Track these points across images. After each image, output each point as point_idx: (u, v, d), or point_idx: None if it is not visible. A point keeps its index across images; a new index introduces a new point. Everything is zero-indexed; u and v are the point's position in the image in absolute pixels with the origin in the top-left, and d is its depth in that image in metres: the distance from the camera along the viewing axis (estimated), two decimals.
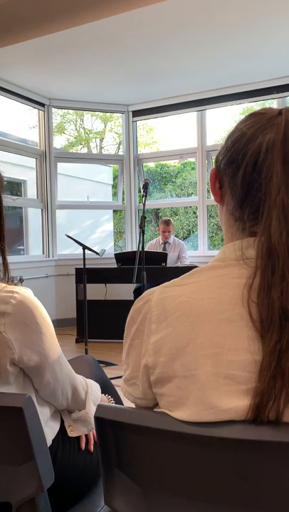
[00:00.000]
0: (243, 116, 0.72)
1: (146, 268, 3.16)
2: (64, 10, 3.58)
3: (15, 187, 8.08)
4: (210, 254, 5.40)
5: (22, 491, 0.77)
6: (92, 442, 1.07)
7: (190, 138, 6.10)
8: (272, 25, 3.64)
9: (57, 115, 12.81)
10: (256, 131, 0.66)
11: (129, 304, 0.78)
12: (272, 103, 5.33)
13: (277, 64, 4.42)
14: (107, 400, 1.24)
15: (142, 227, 3.09)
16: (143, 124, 12.28)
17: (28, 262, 5.00)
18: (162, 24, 3.58)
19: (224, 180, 0.71)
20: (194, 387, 0.59)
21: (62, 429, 1.03)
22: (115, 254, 4.76)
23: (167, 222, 5.16)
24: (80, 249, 3.60)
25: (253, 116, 0.69)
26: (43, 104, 5.30)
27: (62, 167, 5.69)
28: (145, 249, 4.26)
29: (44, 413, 0.97)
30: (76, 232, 9.08)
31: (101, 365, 1.41)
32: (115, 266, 4.68)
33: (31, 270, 4.88)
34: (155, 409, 0.67)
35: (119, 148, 13.24)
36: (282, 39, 3.89)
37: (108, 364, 3.56)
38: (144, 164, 6.02)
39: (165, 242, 5.12)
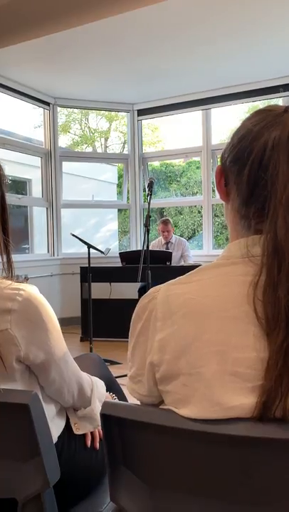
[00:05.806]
0: (248, 115, 0.72)
1: (151, 267, 3.16)
2: (69, 9, 3.59)
3: (20, 186, 8.09)
4: (215, 253, 5.37)
5: (28, 487, 0.77)
6: (97, 440, 1.07)
7: (195, 137, 6.07)
8: (276, 23, 3.63)
9: (62, 114, 12.80)
10: (262, 128, 0.66)
11: (133, 302, 0.78)
12: (278, 101, 5.30)
13: (282, 62, 4.40)
14: (110, 398, 1.24)
15: (147, 226, 3.09)
16: (148, 123, 12.24)
17: (32, 261, 5.02)
18: (167, 23, 3.57)
19: (230, 177, 0.71)
20: (200, 384, 0.59)
21: (68, 427, 1.03)
22: (120, 253, 4.77)
23: (165, 222, 5.14)
24: (84, 248, 3.60)
25: (259, 114, 0.69)
26: (48, 103, 5.31)
27: (67, 166, 5.70)
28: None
29: (50, 410, 0.97)
30: (81, 231, 9.07)
31: (106, 363, 1.41)
32: (120, 265, 4.68)
33: (36, 269, 4.89)
34: (161, 407, 0.67)
35: (124, 147, 13.22)
36: (286, 37, 3.88)
37: (113, 363, 3.56)
38: (148, 163, 6.02)
39: (167, 242, 5.09)
